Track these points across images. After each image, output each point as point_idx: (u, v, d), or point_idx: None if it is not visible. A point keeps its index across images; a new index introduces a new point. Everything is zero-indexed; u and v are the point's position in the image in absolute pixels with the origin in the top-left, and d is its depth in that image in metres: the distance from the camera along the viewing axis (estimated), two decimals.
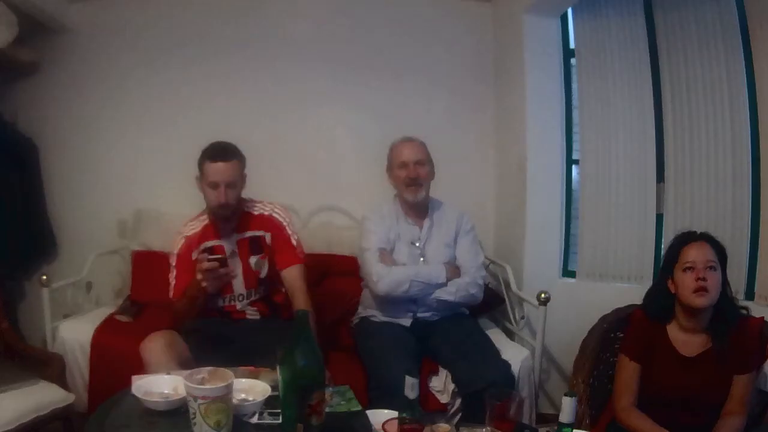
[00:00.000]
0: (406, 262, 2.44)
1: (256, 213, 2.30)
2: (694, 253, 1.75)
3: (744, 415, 1.74)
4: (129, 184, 3.32)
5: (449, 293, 2.40)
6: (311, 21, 3.31)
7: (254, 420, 1.48)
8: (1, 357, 2.29)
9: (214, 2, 3.33)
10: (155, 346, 2.01)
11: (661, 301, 1.85)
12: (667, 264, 1.84)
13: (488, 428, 1.52)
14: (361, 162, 3.36)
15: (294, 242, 2.28)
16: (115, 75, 3.29)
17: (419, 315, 2.43)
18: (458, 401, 2.31)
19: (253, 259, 2.25)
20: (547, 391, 2.94)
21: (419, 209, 2.52)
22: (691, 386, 1.76)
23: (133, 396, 1.51)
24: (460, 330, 2.42)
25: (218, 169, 2.13)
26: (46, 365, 2.27)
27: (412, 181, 2.42)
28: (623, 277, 2.92)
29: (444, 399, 2.33)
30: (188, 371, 1.40)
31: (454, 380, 2.32)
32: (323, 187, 3.35)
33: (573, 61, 3.04)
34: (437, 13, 3.34)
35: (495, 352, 2.33)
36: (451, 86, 3.36)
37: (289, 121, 3.33)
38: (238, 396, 1.49)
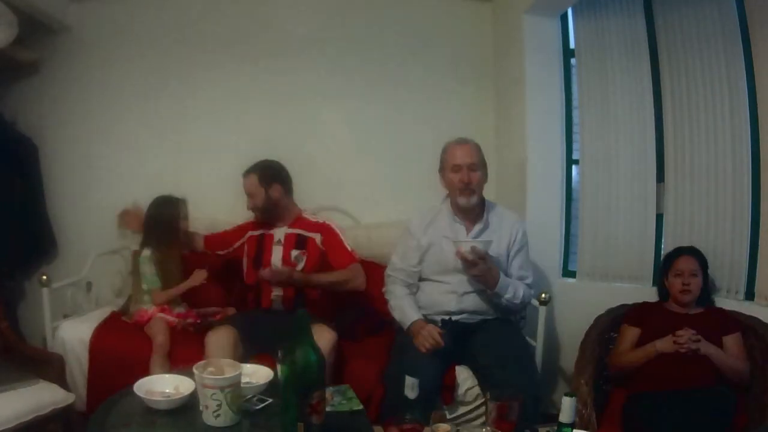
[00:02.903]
0: (448, 263, 2.38)
1: (312, 220, 2.69)
2: (683, 264, 2.39)
3: (745, 364, 2.17)
4: (129, 184, 3.31)
5: (511, 297, 2.35)
6: (311, 21, 3.31)
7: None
8: (1, 357, 2.29)
9: (213, 2, 3.33)
10: (223, 342, 2.27)
11: (662, 288, 2.50)
12: (664, 269, 2.47)
13: (488, 428, 1.52)
14: (362, 162, 3.37)
15: (348, 247, 2.60)
16: (115, 75, 3.29)
17: (454, 318, 2.38)
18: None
19: (294, 252, 2.59)
20: (547, 391, 2.94)
21: (471, 212, 2.45)
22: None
23: (135, 395, 1.51)
24: (503, 340, 2.33)
25: (243, 183, 2.67)
26: (46, 365, 2.26)
27: (465, 186, 2.36)
28: (623, 277, 2.92)
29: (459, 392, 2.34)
30: (195, 366, 1.44)
31: (482, 384, 2.30)
32: (323, 187, 3.35)
33: (573, 61, 3.04)
34: (437, 12, 3.34)
35: (533, 369, 2.33)
36: (451, 86, 3.36)
37: (288, 121, 3.33)
38: (243, 380, 1.55)
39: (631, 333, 2.35)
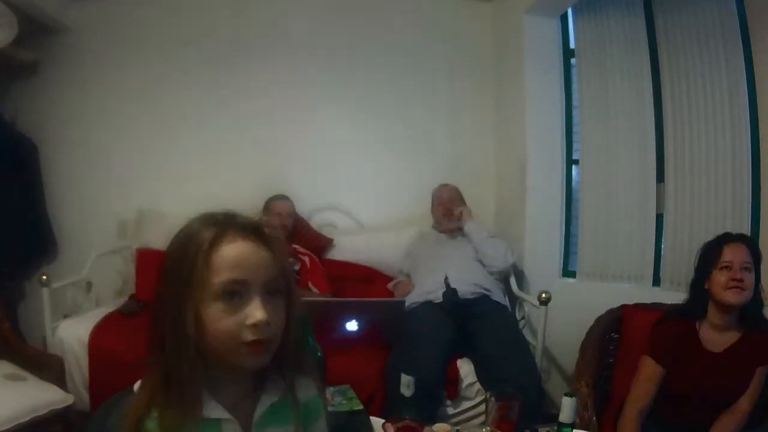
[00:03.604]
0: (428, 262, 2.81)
1: (302, 249, 3.00)
2: (731, 254, 1.81)
3: (748, 413, 1.79)
4: (129, 183, 3.32)
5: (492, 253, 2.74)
6: (311, 20, 3.31)
7: None
8: (1, 357, 2.29)
9: (213, 2, 3.33)
10: None
11: (697, 296, 1.89)
12: (706, 263, 1.88)
13: (488, 428, 1.52)
14: (362, 162, 3.37)
15: (322, 275, 2.91)
16: (115, 75, 3.29)
17: (452, 286, 2.53)
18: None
19: (290, 260, 2.70)
20: (547, 390, 2.94)
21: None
22: (715, 382, 1.79)
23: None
24: (503, 329, 2.46)
25: (278, 205, 3.02)
26: (45, 366, 2.26)
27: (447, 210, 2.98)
28: (623, 277, 2.92)
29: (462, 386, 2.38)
30: None
31: (483, 377, 2.34)
32: (323, 187, 3.35)
33: (573, 61, 3.04)
34: (437, 12, 3.34)
35: (532, 364, 2.37)
36: (451, 86, 3.36)
37: (289, 120, 3.33)
38: None
39: (655, 372, 1.86)
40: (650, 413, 1.88)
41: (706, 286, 1.85)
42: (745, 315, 1.82)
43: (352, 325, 2.37)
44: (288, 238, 2.98)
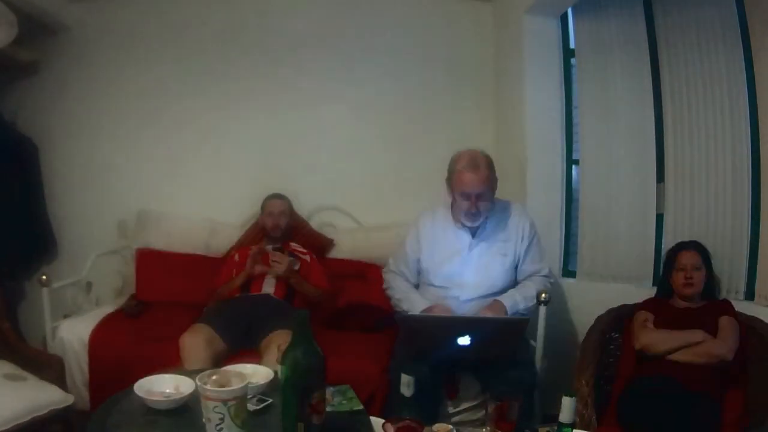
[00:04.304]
0: (447, 272, 2.42)
1: (302, 248, 3.02)
2: (685, 259, 2.40)
3: (726, 344, 2.16)
4: (129, 184, 3.32)
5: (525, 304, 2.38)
6: (311, 20, 3.31)
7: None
8: (1, 357, 2.29)
9: (213, 1, 3.33)
10: (195, 342, 2.30)
11: (665, 288, 2.50)
12: (667, 265, 2.49)
13: (488, 428, 1.52)
14: (362, 162, 3.37)
15: (321, 273, 2.93)
16: (115, 75, 3.29)
17: (465, 298, 2.40)
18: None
19: (291, 259, 2.82)
20: (547, 390, 2.94)
21: None
22: (689, 327, 2.24)
23: (135, 395, 1.51)
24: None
25: (274, 204, 3.01)
26: (45, 366, 2.26)
27: (473, 213, 2.35)
28: (623, 277, 2.92)
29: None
30: (198, 376, 1.37)
31: (481, 378, 2.33)
32: (324, 187, 3.35)
33: (573, 61, 3.04)
34: (437, 12, 3.34)
35: (531, 363, 2.35)
36: (451, 86, 3.36)
37: (289, 120, 3.33)
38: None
39: (648, 315, 2.36)
40: (637, 385, 2.15)
41: (670, 282, 2.44)
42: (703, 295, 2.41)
43: (464, 340, 2.13)
44: (284, 237, 2.98)
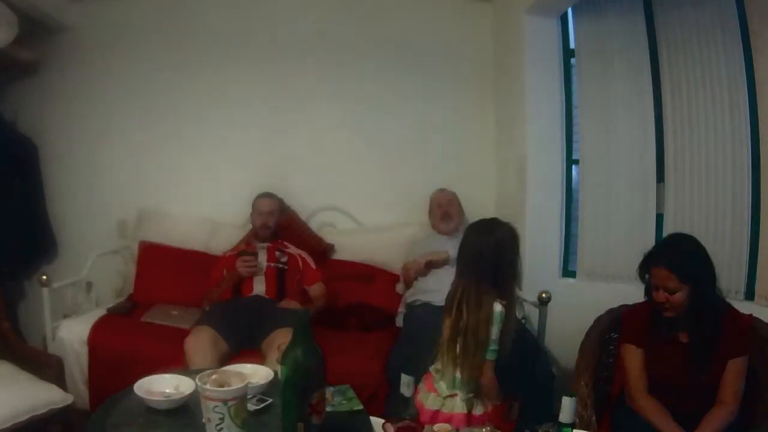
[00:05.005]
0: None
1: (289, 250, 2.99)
2: (655, 278, 1.94)
3: (733, 407, 1.85)
4: (129, 183, 3.32)
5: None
6: (311, 21, 3.31)
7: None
8: (1, 357, 2.29)
9: (213, 1, 3.33)
10: (200, 344, 2.32)
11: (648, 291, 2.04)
12: (643, 274, 2.03)
13: (488, 428, 1.52)
14: (362, 162, 3.36)
15: (314, 267, 2.98)
16: (115, 75, 3.30)
17: None
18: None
19: (277, 253, 2.90)
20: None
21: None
22: (688, 370, 1.89)
23: (135, 395, 1.51)
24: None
25: (263, 203, 3.00)
26: (45, 366, 2.26)
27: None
28: (623, 277, 2.91)
29: None
30: (198, 376, 1.37)
31: None
32: (323, 188, 3.35)
33: (573, 61, 3.04)
34: (437, 13, 3.34)
35: (545, 364, 2.40)
36: (451, 86, 3.36)
37: (289, 121, 3.33)
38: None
39: (638, 355, 1.98)
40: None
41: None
42: (693, 315, 1.90)
43: None
44: (273, 235, 2.98)
